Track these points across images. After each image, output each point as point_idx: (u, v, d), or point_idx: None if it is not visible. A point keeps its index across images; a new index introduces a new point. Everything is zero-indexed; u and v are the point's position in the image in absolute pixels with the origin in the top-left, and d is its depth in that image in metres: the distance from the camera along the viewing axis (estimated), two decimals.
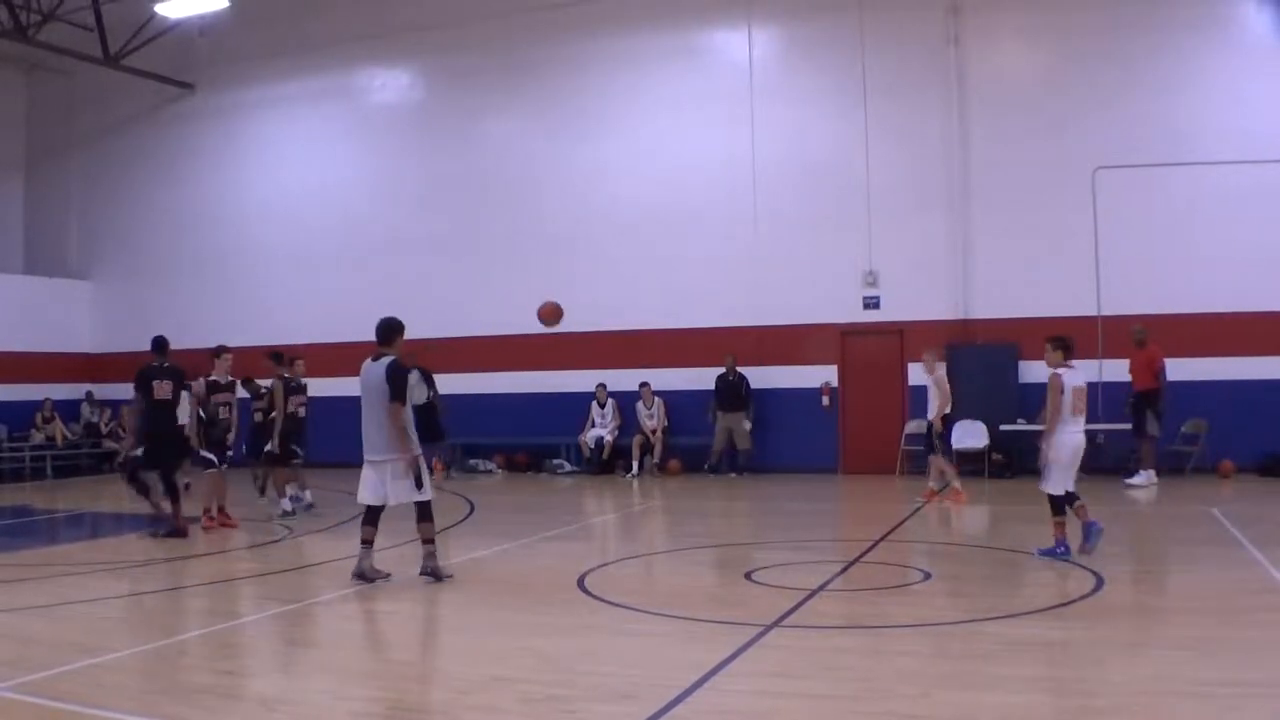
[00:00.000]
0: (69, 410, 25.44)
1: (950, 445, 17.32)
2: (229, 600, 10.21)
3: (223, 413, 14.74)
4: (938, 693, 6.39)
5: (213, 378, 14.77)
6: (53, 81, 27.27)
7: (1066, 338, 11.41)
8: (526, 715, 6.26)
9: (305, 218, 24.71)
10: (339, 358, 22.42)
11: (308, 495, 16.49)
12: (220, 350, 15.10)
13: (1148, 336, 17.72)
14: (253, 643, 8.49)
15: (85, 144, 27.37)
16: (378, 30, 23.95)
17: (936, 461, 16.21)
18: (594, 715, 6.20)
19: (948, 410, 16.04)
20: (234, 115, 25.63)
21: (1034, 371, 19.32)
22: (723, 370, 20.89)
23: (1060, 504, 11.01)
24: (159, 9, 22.44)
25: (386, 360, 10.49)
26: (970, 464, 19.42)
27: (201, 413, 14.62)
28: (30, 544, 14.54)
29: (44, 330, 25.73)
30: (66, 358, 25.98)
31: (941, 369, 16.74)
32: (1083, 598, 9.07)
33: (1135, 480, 17.38)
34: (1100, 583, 9.54)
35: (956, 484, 15.95)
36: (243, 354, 22.39)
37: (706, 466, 20.96)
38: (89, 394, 25.80)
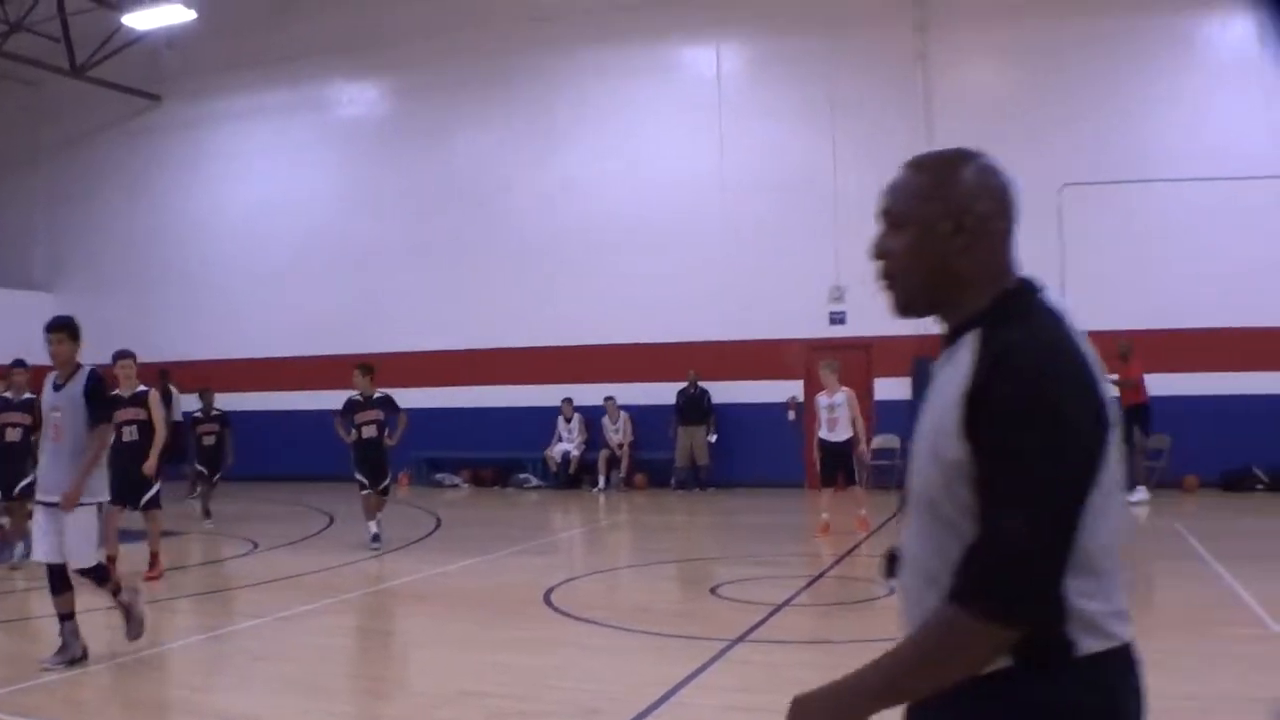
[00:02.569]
0: None
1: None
2: (197, 615, 10.17)
3: (127, 434, 11.77)
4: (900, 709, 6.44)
5: (115, 391, 11.53)
6: (18, 92, 27.09)
7: None
8: None
9: (274, 230, 24.61)
10: (311, 370, 22.48)
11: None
12: (119, 356, 12.37)
13: (1132, 350, 17.78)
14: (220, 657, 8.47)
15: (51, 155, 27.22)
16: (348, 43, 23.90)
17: (859, 492, 14.95)
18: None
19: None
20: (202, 127, 25.52)
21: None
22: (684, 385, 20.97)
23: None
24: (125, 20, 22.35)
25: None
26: None
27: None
28: None
29: (4, 342, 25.42)
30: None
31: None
32: None
33: (1136, 497, 17.06)
34: None
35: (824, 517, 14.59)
36: (211, 367, 22.41)
37: (673, 482, 20.98)
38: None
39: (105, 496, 8.30)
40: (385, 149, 23.99)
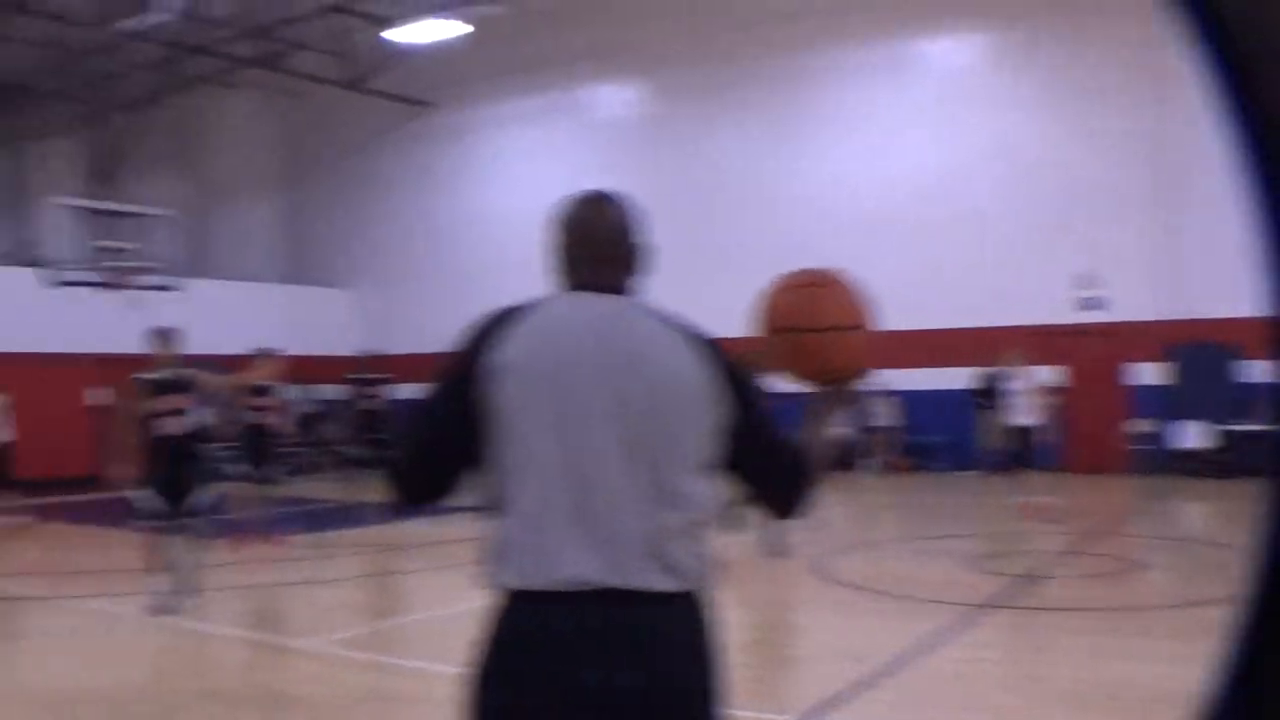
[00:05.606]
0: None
1: None
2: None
3: None
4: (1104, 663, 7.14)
5: None
6: (303, 106, 29.19)
7: None
8: None
9: (536, 230, 25.90)
10: None
11: None
12: None
13: None
14: None
15: (334, 164, 29.56)
16: (603, 48, 25.13)
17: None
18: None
19: None
20: (470, 133, 27.39)
21: (1254, 371, 19.33)
22: (985, 371, 20.68)
23: None
24: (392, 35, 23.82)
25: None
26: (1191, 462, 19.51)
27: None
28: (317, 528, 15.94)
29: (313, 335, 26.92)
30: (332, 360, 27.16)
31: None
32: None
33: None
34: None
35: None
36: None
37: (970, 466, 20.84)
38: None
39: None
40: (640, 150, 25.09)
